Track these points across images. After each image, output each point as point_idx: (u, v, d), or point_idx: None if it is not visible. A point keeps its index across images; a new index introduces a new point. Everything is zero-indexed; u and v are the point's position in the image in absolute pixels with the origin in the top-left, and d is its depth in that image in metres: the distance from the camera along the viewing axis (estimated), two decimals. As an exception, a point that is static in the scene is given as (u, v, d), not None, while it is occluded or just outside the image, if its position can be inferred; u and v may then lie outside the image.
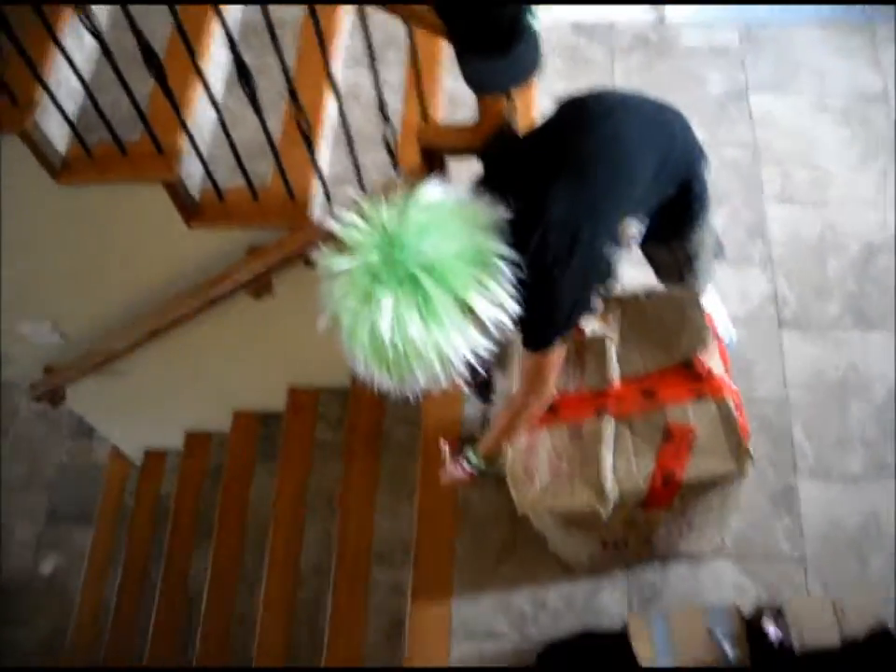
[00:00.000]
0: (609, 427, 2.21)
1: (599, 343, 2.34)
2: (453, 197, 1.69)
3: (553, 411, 2.26)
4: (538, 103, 3.38)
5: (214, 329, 3.15)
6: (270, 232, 2.71)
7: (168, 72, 2.23)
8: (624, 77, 3.61)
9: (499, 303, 1.64)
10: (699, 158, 2.13)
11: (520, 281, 1.67)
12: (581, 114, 1.95)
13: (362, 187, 2.59)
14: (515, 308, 1.66)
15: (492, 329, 1.65)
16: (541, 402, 2.11)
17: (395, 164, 2.46)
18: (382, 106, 2.29)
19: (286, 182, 2.60)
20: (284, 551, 3.42)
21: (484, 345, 1.66)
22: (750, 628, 2.33)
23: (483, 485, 2.86)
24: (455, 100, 3.15)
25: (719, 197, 3.27)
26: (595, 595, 2.72)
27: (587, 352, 2.34)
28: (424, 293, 1.56)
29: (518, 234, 1.70)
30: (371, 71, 2.23)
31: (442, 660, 2.67)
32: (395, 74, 3.02)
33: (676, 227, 2.22)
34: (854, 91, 3.51)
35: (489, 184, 1.85)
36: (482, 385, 2.58)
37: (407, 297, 1.56)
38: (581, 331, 2.38)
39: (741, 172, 3.35)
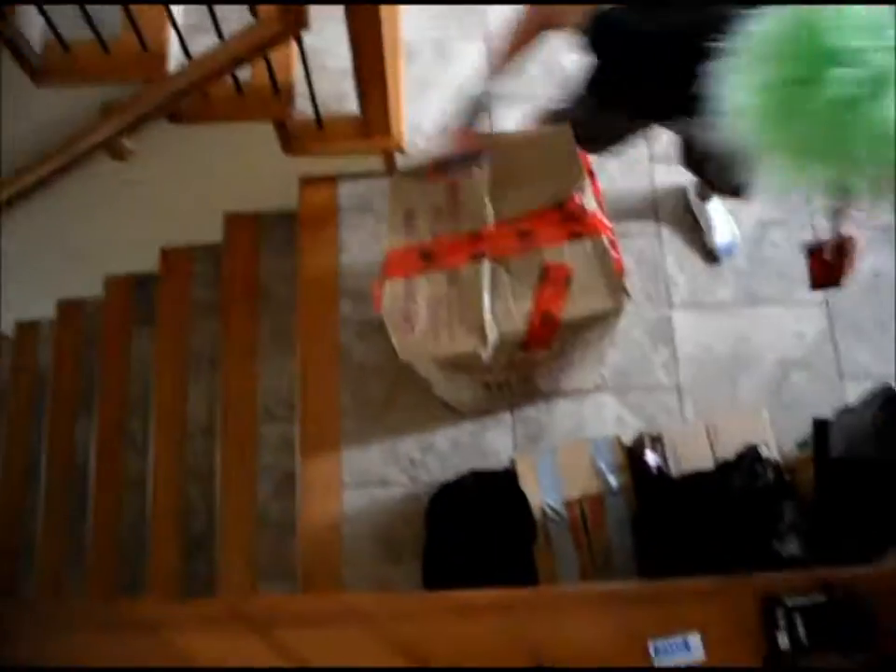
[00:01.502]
0: (486, 270, 2.21)
1: (472, 185, 2.32)
2: None
3: (430, 257, 2.24)
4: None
5: (76, 193, 3.01)
6: (125, 88, 2.57)
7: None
8: None
9: None
10: None
11: None
12: None
13: (220, 34, 2.47)
14: None
15: None
16: None
17: (253, 10, 2.34)
18: (234, -54, 2.16)
19: (137, 32, 2.46)
20: (170, 413, 3.38)
21: None
22: (632, 457, 2.42)
23: (364, 335, 2.87)
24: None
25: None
26: (481, 435, 2.78)
27: (460, 194, 2.32)
28: None
29: None
30: None
31: (335, 510, 2.71)
32: None
33: None
34: None
35: None
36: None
37: None
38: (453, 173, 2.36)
39: None
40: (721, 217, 2.95)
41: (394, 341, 2.19)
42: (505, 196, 2.31)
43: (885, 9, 1.28)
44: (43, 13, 2.37)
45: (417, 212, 2.32)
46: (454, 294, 2.21)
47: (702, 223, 2.97)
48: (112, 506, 3.53)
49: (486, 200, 2.29)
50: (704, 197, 2.93)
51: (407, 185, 2.37)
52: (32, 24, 2.44)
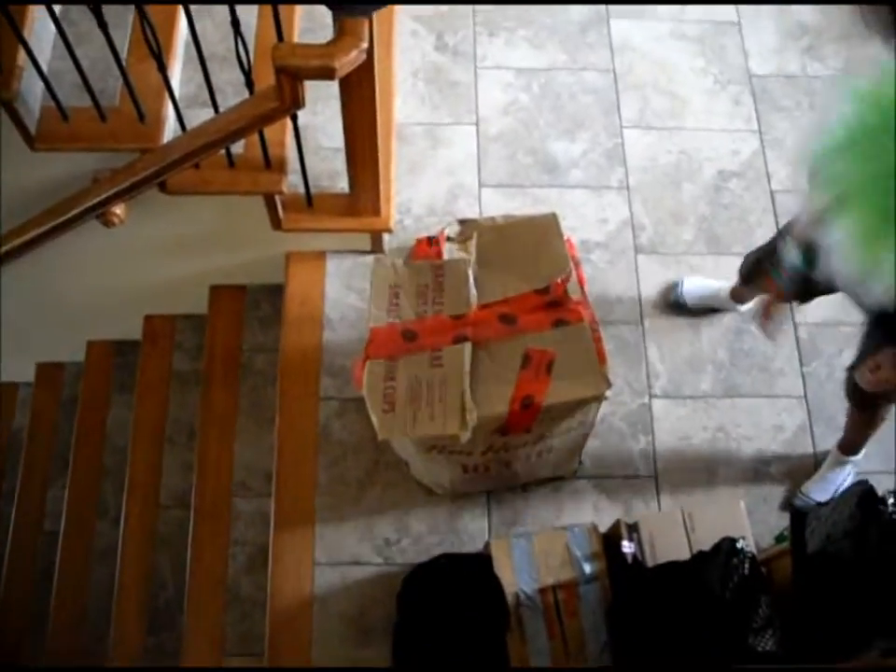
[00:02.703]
0: (468, 353, 2.22)
1: (457, 267, 2.34)
2: None
3: (412, 338, 2.25)
4: (397, 23, 3.33)
5: (63, 256, 3.02)
6: (120, 156, 2.60)
7: (2, -18, 2.09)
8: (484, -2, 3.57)
9: None
10: None
11: None
12: None
13: (216, 108, 2.50)
14: None
15: None
16: None
17: (249, 85, 2.38)
18: (235, 24, 2.20)
19: (135, 102, 2.49)
20: (143, 483, 3.35)
21: None
22: (608, 545, 2.40)
23: (344, 413, 2.86)
24: (313, 19, 3.07)
25: (579, 122, 3.30)
26: (457, 518, 2.76)
27: (445, 277, 2.33)
28: None
29: None
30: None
31: (306, 587, 2.67)
32: (250, -10, 2.91)
33: None
34: (709, 20, 3.56)
35: None
36: None
37: None
38: (439, 255, 2.38)
39: (601, 97, 3.37)
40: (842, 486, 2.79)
41: (373, 419, 2.18)
42: (490, 279, 2.33)
43: None
44: (44, 79, 2.40)
45: (401, 292, 2.33)
46: (435, 375, 2.21)
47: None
48: (79, 573, 3.47)
49: (471, 282, 2.31)
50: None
51: (392, 264, 2.39)
52: (31, 89, 2.47)
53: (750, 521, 2.42)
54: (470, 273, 2.33)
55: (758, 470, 2.85)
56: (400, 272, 2.37)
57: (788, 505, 2.79)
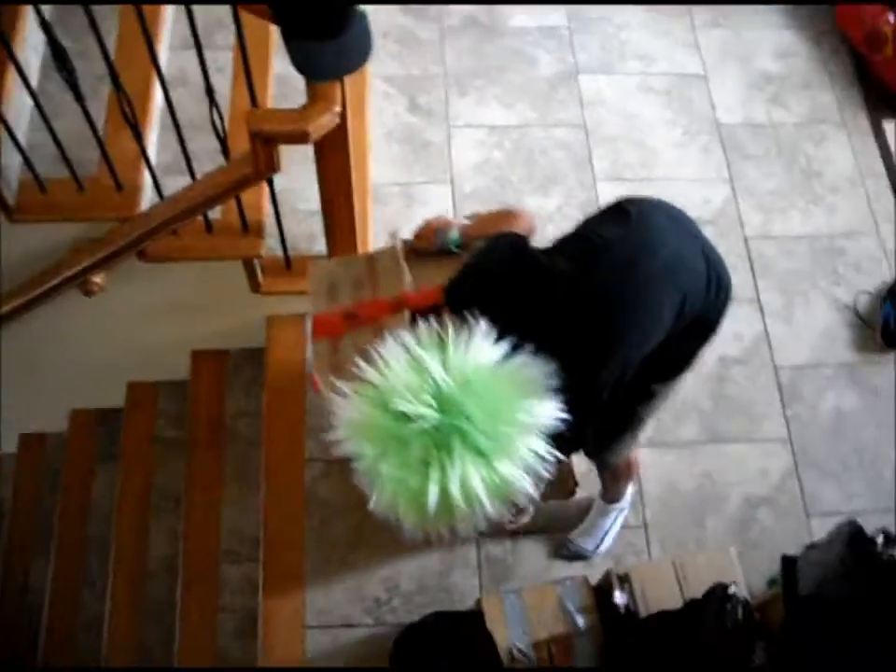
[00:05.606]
0: (407, 317, 2.19)
1: (389, 252, 2.33)
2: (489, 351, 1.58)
3: (353, 317, 2.24)
4: (370, 86, 3.37)
5: (43, 326, 3.02)
6: (99, 225, 2.61)
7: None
8: (456, 57, 3.62)
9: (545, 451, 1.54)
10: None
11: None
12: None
13: (192, 175, 2.52)
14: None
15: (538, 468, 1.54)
16: None
17: (225, 151, 2.40)
18: (209, 92, 2.23)
19: (112, 172, 2.51)
20: (130, 551, 3.31)
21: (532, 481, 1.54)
22: (600, 597, 2.39)
23: (329, 474, 2.85)
24: (286, 84, 3.11)
25: (553, 177, 3.35)
26: (447, 576, 2.74)
27: (378, 262, 2.33)
28: (481, 449, 1.51)
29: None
30: (198, 55, 2.17)
31: (297, 652, 2.64)
32: (224, 57, 2.95)
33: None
34: (675, 73, 3.63)
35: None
36: None
37: (468, 454, 1.51)
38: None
39: (573, 152, 3.42)
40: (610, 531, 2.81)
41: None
42: (424, 268, 2.32)
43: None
44: (21, 152, 2.41)
45: (339, 285, 2.33)
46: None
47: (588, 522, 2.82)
48: (64, 647, 3.42)
49: (403, 265, 2.29)
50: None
51: (326, 264, 2.40)
52: (8, 161, 2.48)
53: (742, 567, 2.42)
54: (402, 259, 2.32)
55: (746, 516, 2.85)
56: (335, 268, 2.37)
57: (559, 555, 2.78)
